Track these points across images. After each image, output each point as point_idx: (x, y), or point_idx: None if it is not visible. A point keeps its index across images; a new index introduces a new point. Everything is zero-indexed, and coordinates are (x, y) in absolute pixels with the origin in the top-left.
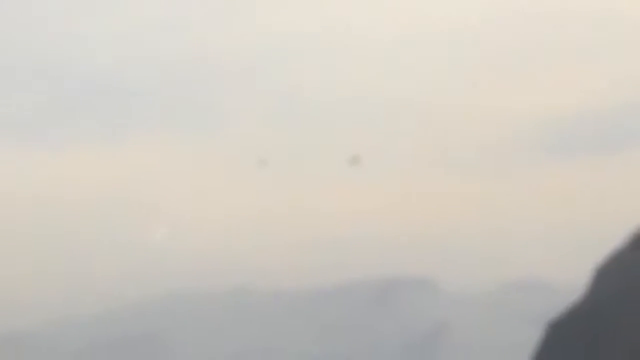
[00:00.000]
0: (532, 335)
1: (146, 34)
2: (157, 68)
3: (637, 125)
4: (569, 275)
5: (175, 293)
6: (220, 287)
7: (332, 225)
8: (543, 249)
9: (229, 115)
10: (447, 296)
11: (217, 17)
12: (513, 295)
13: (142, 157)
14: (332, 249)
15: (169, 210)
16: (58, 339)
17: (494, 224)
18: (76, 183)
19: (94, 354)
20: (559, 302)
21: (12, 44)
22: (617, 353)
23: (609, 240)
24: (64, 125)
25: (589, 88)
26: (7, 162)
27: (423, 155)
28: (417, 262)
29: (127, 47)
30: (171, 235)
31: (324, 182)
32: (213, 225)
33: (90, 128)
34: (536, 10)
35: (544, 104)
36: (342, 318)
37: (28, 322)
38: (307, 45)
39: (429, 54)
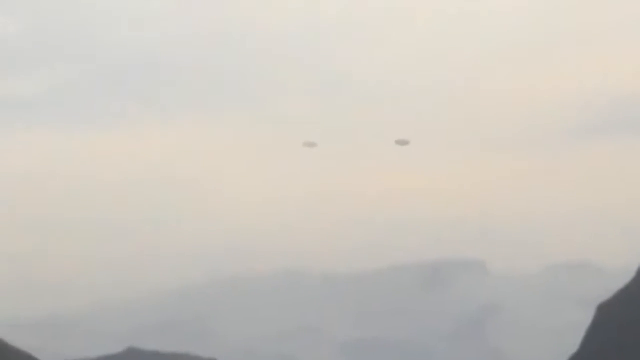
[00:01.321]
0: (581, 317)
1: (193, 10)
2: (205, 46)
3: None
4: (619, 258)
5: (221, 276)
6: (270, 270)
7: (381, 207)
8: (592, 231)
9: (278, 96)
10: (497, 278)
11: None
12: (562, 277)
13: (189, 136)
14: (381, 231)
15: (217, 190)
16: (104, 323)
17: (544, 206)
18: (123, 162)
19: (142, 337)
20: (608, 285)
21: (61, 22)
22: None
23: None
24: (111, 104)
25: (628, 70)
26: (54, 141)
27: (470, 138)
28: (466, 244)
29: (174, 24)
30: (219, 216)
31: (372, 164)
32: (260, 207)
33: (137, 106)
34: None
35: (589, 85)
36: (392, 300)
37: (74, 304)
38: (356, 28)
39: (472, 38)
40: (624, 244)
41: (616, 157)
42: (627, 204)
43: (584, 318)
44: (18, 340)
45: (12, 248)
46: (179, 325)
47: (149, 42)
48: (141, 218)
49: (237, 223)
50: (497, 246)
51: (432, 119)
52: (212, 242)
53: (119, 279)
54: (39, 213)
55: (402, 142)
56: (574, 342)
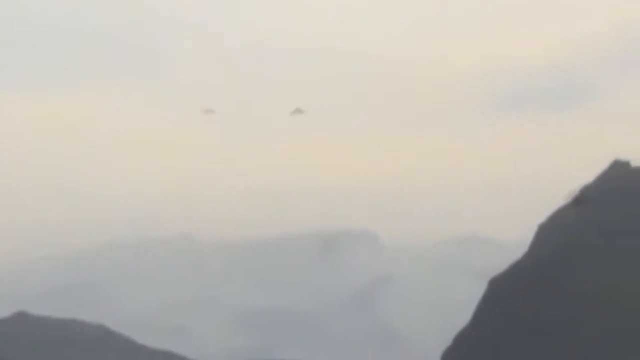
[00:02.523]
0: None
1: None
2: (108, 14)
3: (585, 83)
4: (512, 232)
5: (117, 242)
6: (163, 235)
7: (277, 176)
8: (486, 205)
9: (179, 62)
10: (389, 250)
11: None
12: (455, 251)
13: (88, 104)
14: (275, 200)
15: (114, 157)
16: (10, 282)
17: (438, 179)
18: (26, 128)
19: (35, 300)
20: (501, 258)
21: None
22: (554, 307)
23: (552, 198)
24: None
25: (540, 45)
26: None
27: (371, 108)
28: (360, 215)
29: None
30: (117, 181)
31: (271, 132)
32: (159, 173)
33: (41, 73)
34: None
35: (495, 60)
36: (285, 269)
37: None
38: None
39: (383, 6)
40: (519, 218)
41: (519, 132)
42: (524, 178)
43: (476, 292)
44: None
45: None
46: (72, 291)
47: (55, 11)
48: (43, 183)
49: (137, 189)
50: (392, 219)
51: (335, 89)
52: (112, 207)
53: (15, 243)
54: None
55: (297, 112)
56: (465, 315)
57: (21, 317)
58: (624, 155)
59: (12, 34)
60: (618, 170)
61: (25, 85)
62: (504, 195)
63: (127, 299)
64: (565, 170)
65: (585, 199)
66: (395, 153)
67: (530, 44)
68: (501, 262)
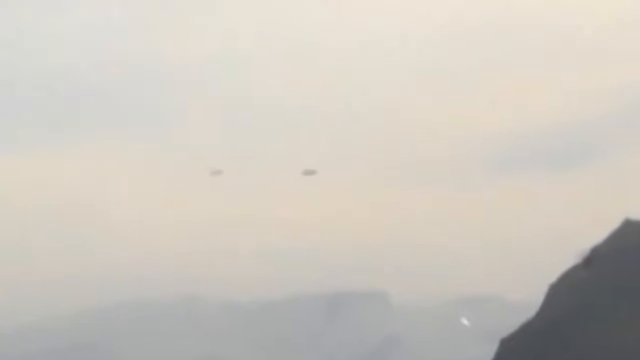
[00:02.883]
0: (484, 351)
1: (98, 36)
2: (109, 73)
3: (593, 140)
4: (523, 292)
5: (123, 301)
6: (169, 296)
7: (284, 236)
8: (498, 265)
9: (183, 123)
10: (399, 310)
11: (170, 22)
12: (465, 310)
13: (93, 163)
14: (283, 260)
15: (120, 217)
16: (2, 345)
17: (448, 238)
18: (25, 188)
19: None
20: (512, 318)
21: None
22: None
23: (563, 258)
24: (14, 130)
25: (542, 103)
26: None
27: (377, 167)
28: (369, 275)
29: (78, 50)
30: (121, 242)
31: (277, 192)
32: (164, 234)
33: (40, 133)
34: (495, 26)
35: (500, 119)
36: (293, 330)
37: None
38: (265, 53)
39: (388, 65)
40: (529, 278)
41: (525, 191)
42: (534, 238)
43: (487, 352)
44: None
45: None
46: (74, 352)
47: (52, 69)
48: (44, 244)
49: (142, 250)
50: (401, 278)
51: (343, 149)
52: (115, 267)
53: (15, 303)
54: None
55: (309, 172)
56: None
57: None
58: (634, 214)
59: (11, 93)
60: (629, 230)
61: (25, 146)
62: (513, 255)
63: (132, 359)
64: (574, 230)
65: (595, 258)
66: (404, 211)
67: (535, 101)
68: (512, 322)
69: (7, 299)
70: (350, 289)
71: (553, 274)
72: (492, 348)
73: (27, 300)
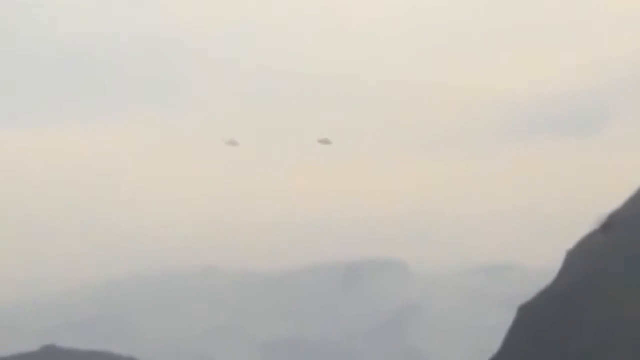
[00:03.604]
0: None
1: (110, 5)
2: (125, 44)
3: (607, 107)
4: (541, 259)
5: (143, 274)
6: (188, 267)
7: (302, 206)
8: (515, 232)
9: (199, 93)
10: (418, 278)
11: None
12: (484, 279)
13: (110, 136)
14: (301, 230)
15: (138, 190)
16: (21, 319)
17: (464, 205)
18: (51, 161)
19: (63, 334)
20: (531, 285)
21: None
22: (584, 333)
23: (580, 224)
24: (30, 103)
25: (556, 71)
26: None
27: (393, 136)
28: (387, 244)
29: (91, 19)
30: (139, 215)
31: (293, 162)
32: (182, 206)
33: (56, 105)
34: None
35: (512, 85)
36: (312, 299)
37: None
38: (279, 23)
39: (400, 35)
40: (546, 245)
41: (540, 158)
42: (551, 205)
43: (505, 319)
44: None
45: None
46: (99, 323)
47: (70, 41)
48: (65, 217)
49: (160, 221)
50: (419, 247)
51: (357, 118)
52: (135, 240)
53: (40, 276)
54: None
55: (325, 142)
56: (495, 343)
57: (50, 351)
58: None
59: (24, 65)
60: None
61: (41, 118)
62: (530, 222)
63: (155, 330)
64: (591, 196)
65: (613, 224)
66: (423, 180)
67: (548, 69)
68: (530, 289)
69: (29, 273)
70: (367, 258)
71: (571, 240)
72: (511, 315)
73: (48, 274)
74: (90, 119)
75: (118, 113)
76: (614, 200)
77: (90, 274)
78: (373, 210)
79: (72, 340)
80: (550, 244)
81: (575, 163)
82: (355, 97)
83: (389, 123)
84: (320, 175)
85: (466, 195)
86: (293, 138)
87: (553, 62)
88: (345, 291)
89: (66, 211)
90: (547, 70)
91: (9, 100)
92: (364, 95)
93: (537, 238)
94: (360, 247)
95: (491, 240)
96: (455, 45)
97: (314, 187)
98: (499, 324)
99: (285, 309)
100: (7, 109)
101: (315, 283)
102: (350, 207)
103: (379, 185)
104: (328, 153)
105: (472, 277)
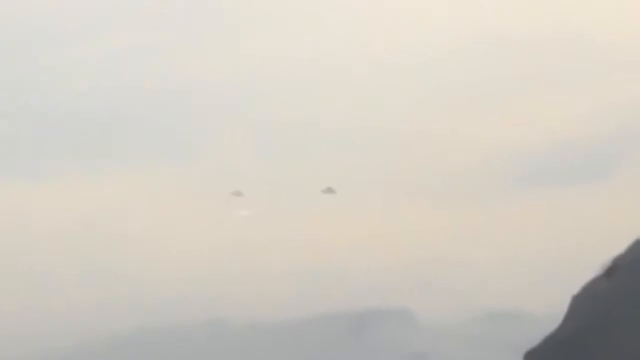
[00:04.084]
0: None
1: (118, 61)
2: (134, 98)
3: (608, 155)
4: (546, 305)
5: (148, 327)
6: (194, 320)
7: (309, 256)
8: (521, 279)
9: (205, 146)
10: (425, 327)
11: (194, 47)
12: (491, 325)
13: (118, 189)
14: (308, 280)
15: (144, 242)
16: None
17: (469, 253)
18: (52, 216)
19: None
20: (536, 331)
21: None
22: None
23: (585, 270)
24: (41, 157)
25: (560, 119)
26: None
27: (398, 184)
28: (394, 293)
29: (104, 76)
30: (143, 265)
31: (300, 214)
32: (187, 257)
33: (67, 160)
34: (509, 40)
35: (516, 134)
36: (319, 350)
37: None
38: (283, 75)
39: (405, 83)
40: (551, 290)
41: (547, 204)
42: (557, 250)
43: None
44: None
45: None
46: None
47: (76, 95)
48: (68, 271)
49: (165, 273)
50: (425, 295)
51: (362, 166)
52: (140, 292)
53: (41, 331)
54: None
55: (328, 191)
56: None
57: None
58: None
59: (32, 122)
60: None
61: (47, 174)
62: (536, 268)
63: None
64: (595, 243)
65: (617, 268)
66: (429, 229)
67: (552, 116)
68: (536, 335)
69: (30, 327)
70: (374, 307)
71: (575, 286)
72: None
73: (49, 328)
74: (92, 172)
75: (121, 165)
76: (618, 247)
77: (91, 327)
78: (379, 259)
79: None
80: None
81: (579, 210)
82: (364, 145)
83: (397, 171)
84: (327, 225)
85: (473, 243)
86: (299, 188)
87: (555, 109)
88: (351, 341)
89: (69, 264)
90: (550, 117)
91: (9, 153)
92: (373, 142)
93: (542, 284)
94: (367, 296)
95: (497, 287)
96: (456, 92)
97: (321, 237)
98: None
99: (293, 359)
100: (8, 163)
101: (323, 333)
102: (356, 257)
103: (384, 234)
104: (334, 203)
105: (478, 324)
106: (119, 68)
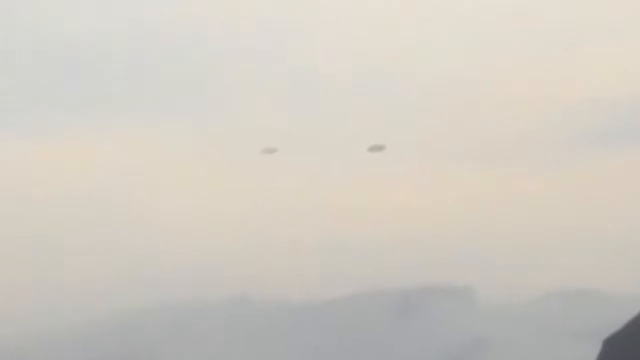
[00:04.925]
0: (584, 352)
1: (128, 2)
2: (142, 43)
3: None
4: (621, 284)
5: (163, 304)
6: (215, 295)
7: (350, 224)
8: (595, 254)
9: (231, 97)
10: (486, 307)
11: None
12: (561, 307)
13: (127, 147)
14: (346, 252)
15: (160, 209)
16: (43, 352)
17: (534, 225)
18: (58, 177)
19: None
20: (613, 313)
21: None
22: None
23: None
24: (37, 111)
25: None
26: None
27: (453, 144)
28: (448, 268)
29: (107, 19)
30: (158, 236)
31: (340, 175)
32: (208, 226)
33: (64, 113)
34: None
35: (591, 85)
36: (363, 332)
37: (5, 332)
38: (323, 13)
39: (463, 27)
40: (627, 268)
41: (623, 170)
42: (634, 223)
43: (588, 354)
44: None
45: None
46: (124, 356)
47: (77, 39)
48: (78, 239)
49: (183, 244)
50: (484, 271)
51: (415, 124)
52: (155, 265)
53: (51, 307)
54: None
55: (377, 148)
56: None
57: None
58: None
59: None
60: None
61: (44, 127)
62: (608, 242)
63: None
64: None
65: None
66: (491, 196)
67: (634, 65)
68: (613, 318)
69: (39, 303)
70: (425, 284)
71: None
72: (594, 349)
73: (60, 304)
74: (100, 127)
75: (136, 122)
76: None
77: (106, 304)
78: (431, 230)
79: None
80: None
81: None
82: (412, 96)
83: (455, 131)
84: (372, 189)
85: (536, 213)
86: (340, 146)
87: (630, 63)
88: (399, 323)
89: (77, 234)
90: (632, 66)
91: (4, 104)
92: (422, 94)
93: (617, 260)
94: (417, 271)
95: (565, 263)
96: (522, 38)
97: (364, 203)
98: (575, 357)
99: (327, 344)
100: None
101: (363, 314)
102: (404, 227)
103: (441, 202)
104: (382, 164)
105: (545, 305)
106: (123, 10)
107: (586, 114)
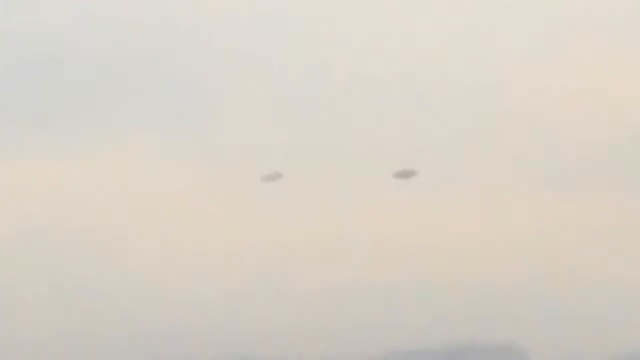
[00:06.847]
0: None
1: None
2: (129, 43)
3: None
4: None
5: None
6: (210, 354)
7: (372, 266)
8: None
9: (224, 107)
10: None
11: None
12: None
13: (105, 170)
14: (372, 300)
15: (140, 244)
16: None
17: (609, 269)
18: (27, 202)
19: None
20: None
21: None
22: None
23: None
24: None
25: None
26: None
27: (504, 166)
28: (500, 322)
29: (84, 8)
30: (143, 281)
31: (360, 205)
32: (204, 269)
33: (31, 128)
34: None
35: None
36: None
37: None
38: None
39: (509, 20)
40: None
41: None
42: None
43: None
44: None
45: None
46: None
47: (49, 31)
48: (41, 281)
49: (170, 290)
50: (545, 327)
51: (449, 142)
52: (141, 315)
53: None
54: None
55: (405, 174)
56: None
57: None
58: None
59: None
60: None
61: (14, 146)
62: None
63: None
64: None
65: None
66: (548, 230)
67: None
68: None
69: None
70: (472, 342)
71: None
72: None
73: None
74: (78, 147)
75: (119, 140)
76: None
77: None
78: (478, 273)
79: None
80: None
81: None
82: (447, 105)
83: (499, 146)
84: (400, 222)
85: (612, 252)
86: (358, 170)
87: None
88: None
89: (40, 275)
90: None
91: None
92: (461, 103)
93: None
94: (462, 325)
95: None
96: (595, 41)
97: (391, 240)
98: None
99: None
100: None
101: None
102: (444, 269)
103: (484, 238)
104: (409, 191)
105: None
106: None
107: None
